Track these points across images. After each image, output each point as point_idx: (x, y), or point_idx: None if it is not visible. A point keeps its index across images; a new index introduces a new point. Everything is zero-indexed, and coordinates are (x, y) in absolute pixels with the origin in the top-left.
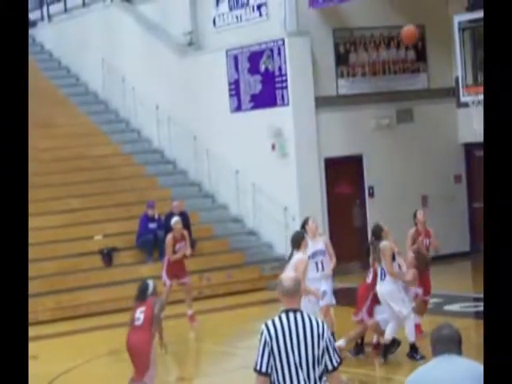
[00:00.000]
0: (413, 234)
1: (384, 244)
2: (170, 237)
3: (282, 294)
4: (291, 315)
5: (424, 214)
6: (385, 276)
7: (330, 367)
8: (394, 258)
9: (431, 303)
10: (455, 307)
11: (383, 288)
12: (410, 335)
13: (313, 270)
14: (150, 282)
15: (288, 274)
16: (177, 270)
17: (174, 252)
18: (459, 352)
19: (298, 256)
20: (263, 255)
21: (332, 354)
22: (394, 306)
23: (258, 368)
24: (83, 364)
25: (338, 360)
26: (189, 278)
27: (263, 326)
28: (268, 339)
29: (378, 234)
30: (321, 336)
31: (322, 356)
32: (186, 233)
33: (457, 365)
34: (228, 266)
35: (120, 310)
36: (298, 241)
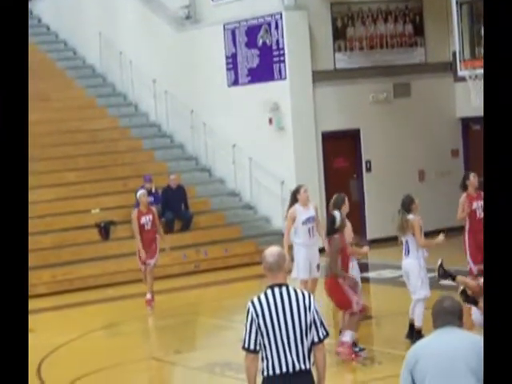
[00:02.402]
0: (464, 200)
1: (412, 217)
2: (134, 212)
3: (266, 269)
4: (276, 290)
5: (476, 178)
6: (409, 252)
7: (316, 339)
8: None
9: (428, 277)
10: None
11: (406, 262)
12: (417, 319)
13: (305, 235)
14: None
15: (272, 249)
16: (149, 251)
17: (141, 226)
18: (460, 325)
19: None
20: (260, 229)
21: (319, 327)
22: (413, 282)
23: (247, 346)
24: (79, 337)
25: (325, 333)
26: (155, 260)
27: (249, 304)
28: (255, 316)
29: (408, 205)
30: (307, 308)
31: (310, 328)
32: (154, 208)
33: (458, 337)
34: (225, 240)
35: (116, 283)
36: (339, 204)
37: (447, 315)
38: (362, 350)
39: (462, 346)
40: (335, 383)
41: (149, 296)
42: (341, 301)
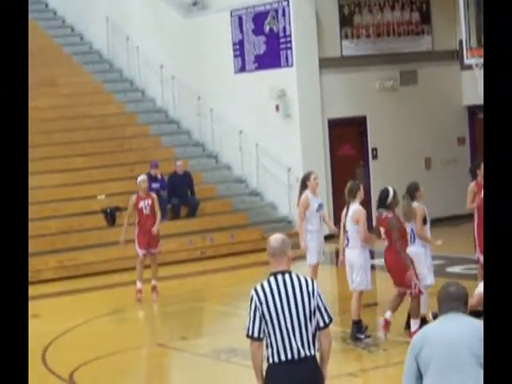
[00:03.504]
0: (473, 189)
1: (416, 205)
2: (133, 198)
3: (270, 255)
4: (279, 277)
5: None
6: (414, 239)
7: (321, 324)
8: (425, 222)
9: (434, 265)
10: (458, 269)
11: (411, 250)
12: (422, 307)
13: (318, 222)
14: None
15: (276, 235)
16: (149, 237)
17: (140, 210)
18: (465, 310)
19: (355, 207)
20: (266, 216)
21: (323, 312)
22: (419, 270)
23: (251, 334)
24: (84, 323)
25: (329, 318)
26: (159, 248)
27: (252, 291)
28: (258, 304)
29: (413, 192)
30: (311, 294)
31: (314, 314)
32: (154, 195)
33: (463, 324)
34: (231, 227)
35: (122, 269)
36: (354, 191)
37: (452, 301)
38: (368, 336)
39: (465, 333)
40: (341, 370)
41: (154, 282)
42: (400, 278)
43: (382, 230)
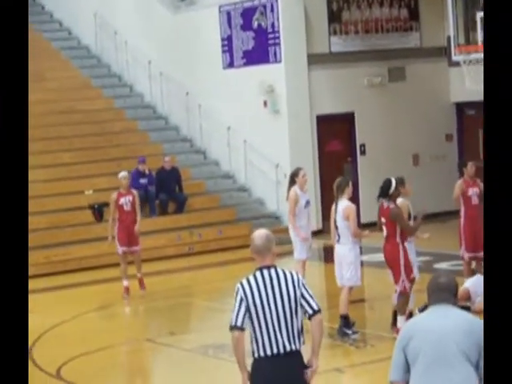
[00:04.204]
0: (461, 185)
1: (400, 201)
2: (114, 194)
3: (255, 252)
4: (265, 272)
5: (473, 168)
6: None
7: (310, 311)
8: (409, 218)
9: (421, 261)
10: (445, 265)
11: None
12: (394, 299)
13: (306, 218)
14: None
15: (259, 232)
16: (129, 234)
17: (120, 207)
18: (455, 302)
19: (345, 203)
20: (254, 212)
21: (310, 300)
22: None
23: (234, 323)
24: (73, 318)
25: (317, 305)
26: (140, 246)
27: (238, 285)
28: (243, 296)
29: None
30: (296, 285)
31: (301, 305)
32: (135, 192)
33: (451, 317)
34: (219, 222)
35: (110, 264)
36: (342, 187)
37: (442, 292)
38: (355, 332)
39: (453, 327)
40: (328, 366)
41: (126, 283)
42: (394, 270)
43: (383, 220)
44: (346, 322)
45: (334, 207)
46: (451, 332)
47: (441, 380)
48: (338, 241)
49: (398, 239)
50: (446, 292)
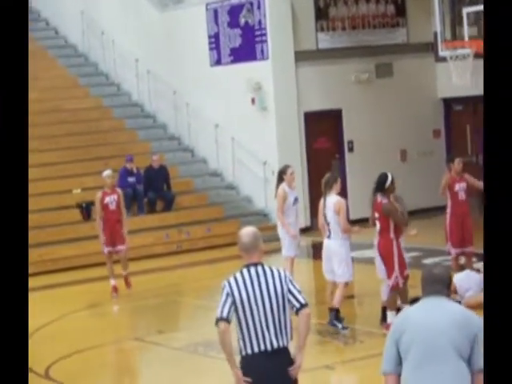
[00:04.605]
0: (447, 180)
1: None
2: (99, 193)
3: (242, 250)
4: (252, 269)
5: (461, 164)
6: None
7: (297, 305)
8: None
9: (409, 257)
10: (433, 261)
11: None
12: (383, 296)
13: (294, 215)
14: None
15: (247, 229)
16: (113, 233)
17: (105, 206)
18: (448, 293)
19: (335, 198)
20: (242, 209)
21: (297, 294)
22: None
23: (219, 315)
24: (62, 318)
25: (304, 299)
26: (126, 245)
27: (225, 282)
28: (230, 293)
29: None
30: (283, 281)
31: (289, 301)
32: (119, 190)
33: (444, 310)
34: (207, 220)
35: (98, 263)
36: (330, 183)
37: (435, 283)
38: (345, 328)
39: (445, 322)
40: (317, 362)
41: (114, 282)
42: (387, 265)
43: (377, 215)
44: (337, 315)
45: (321, 203)
46: (443, 326)
47: (433, 376)
48: (329, 236)
49: (392, 234)
50: (439, 284)
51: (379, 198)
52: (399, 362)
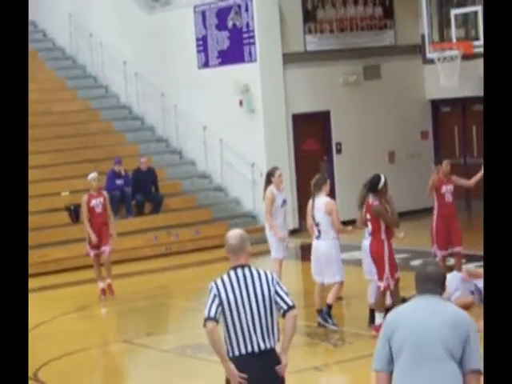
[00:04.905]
0: (435, 181)
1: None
2: (85, 196)
3: (229, 252)
4: (239, 271)
5: (448, 166)
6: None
7: (285, 307)
8: None
9: (398, 259)
10: (420, 262)
11: (367, 243)
12: (370, 297)
13: (282, 217)
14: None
15: (234, 232)
16: (100, 237)
17: (91, 209)
18: (441, 292)
19: (325, 199)
20: (231, 211)
21: (284, 296)
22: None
23: (207, 315)
24: (51, 320)
25: (291, 301)
26: (110, 246)
27: (212, 284)
28: (217, 293)
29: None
30: (270, 283)
31: (276, 302)
32: (105, 193)
33: (436, 311)
34: (196, 222)
35: (87, 266)
36: (319, 184)
37: (429, 282)
38: (335, 325)
39: (438, 322)
40: (306, 364)
41: (109, 280)
42: (378, 267)
43: (368, 216)
44: (329, 311)
45: (310, 204)
46: (435, 327)
47: (425, 378)
48: (318, 237)
49: (384, 236)
50: (432, 282)
51: (371, 199)
52: (391, 360)
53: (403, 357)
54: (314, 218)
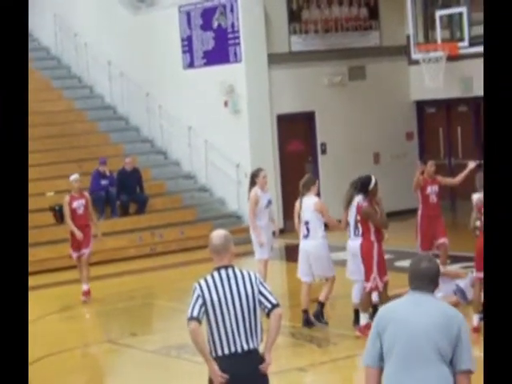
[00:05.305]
0: (420, 179)
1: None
2: (67, 197)
3: (213, 252)
4: (223, 271)
5: (433, 167)
6: (359, 231)
7: (269, 306)
8: None
9: None
10: (406, 263)
11: (357, 243)
12: (355, 298)
13: (266, 218)
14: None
15: (218, 232)
16: (81, 239)
17: (73, 211)
18: (434, 289)
19: (315, 199)
20: (215, 211)
21: (268, 295)
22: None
23: (190, 315)
24: (35, 320)
25: (275, 300)
26: (90, 249)
27: (195, 284)
28: (200, 293)
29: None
30: (254, 283)
31: (260, 302)
32: (87, 194)
33: (427, 309)
34: (180, 223)
35: (72, 266)
36: (308, 185)
37: (422, 279)
38: (325, 323)
39: (428, 323)
40: (291, 364)
41: (85, 287)
42: (366, 267)
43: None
44: (322, 309)
45: (298, 204)
46: (426, 328)
47: (415, 381)
48: (307, 236)
49: (373, 237)
50: (425, 279)
51: (360, 200)
52: (382, 357)
53: (394, 358)
54: (301, 218)
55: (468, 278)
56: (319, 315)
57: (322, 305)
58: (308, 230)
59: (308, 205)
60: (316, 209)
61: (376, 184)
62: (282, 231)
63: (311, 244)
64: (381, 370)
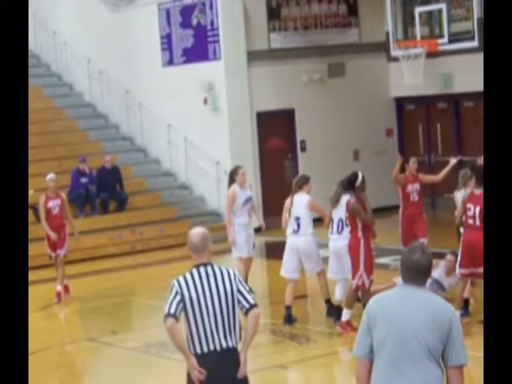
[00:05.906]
0: (402, 179)
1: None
2: (42, 197)
3: (192, 250)
4: (202, 269)
5: (415, 164)
6: (342, 229)
7: (247, 306)
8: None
9: None
10: (386, 260)
11: (340, 243)
12: (338, 295)
13: (245, 216)
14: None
15: (196, 230)
16: (57, 240)
17: (48, 210)
18: (425, 281)
19: (307, 197)
20: (195, 209)
21: (246, 294)
22: (347, 263)
23: (167, 312)
24: None
25: (254, 300)
26: (65, 250)
27: (174, 281)
28: (179, 290)
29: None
30: (233, 281)
31: (238, 301)
32: (63, 195)
33: (417, 303)
34: (160, 220)
35: (51, 264)
36: (300, 183)
37: (413, 271)
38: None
39: (418, 319)
40: (271, 362)
41: (59, 288)
42: (353, 264)
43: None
44: (332, 305)
45: (289, 200)
46: (416, 327)
47: (405, 379)
48: (297, 231)
49: (360, 234)
50: (417, 272)
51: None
52: (372, 349)
53: (384, 354)
54: (291, 214)
55: (441, 267)
56: (334, 316)
57: (329, 301)
58: (298, 225)
59: (300, 201)
60: (309, 207)
61: (363, 181)
62: (261, 229)
63: (301, 240)
64: (371, 361)
